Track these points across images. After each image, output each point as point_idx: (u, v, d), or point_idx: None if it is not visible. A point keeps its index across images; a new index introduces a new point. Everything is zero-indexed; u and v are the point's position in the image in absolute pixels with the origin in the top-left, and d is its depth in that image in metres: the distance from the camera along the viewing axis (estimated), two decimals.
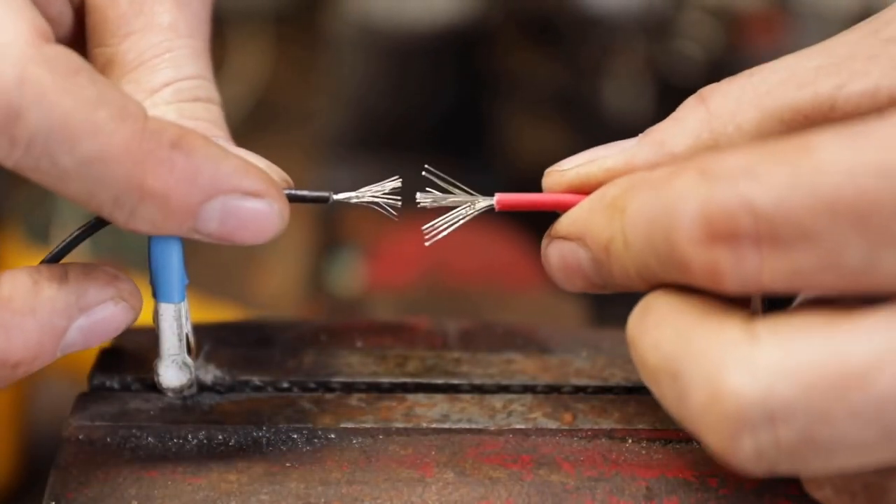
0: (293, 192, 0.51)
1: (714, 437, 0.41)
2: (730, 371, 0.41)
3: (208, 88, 0.54)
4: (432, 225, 0.52)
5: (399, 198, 0.52)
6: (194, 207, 0.47)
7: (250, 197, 0.48)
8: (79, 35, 0.55)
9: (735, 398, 0.40)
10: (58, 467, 0.51)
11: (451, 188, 0.52)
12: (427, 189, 0.52)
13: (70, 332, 0.48)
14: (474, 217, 0.52)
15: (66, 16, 0.55)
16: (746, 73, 0.49)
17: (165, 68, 0.53)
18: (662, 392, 0.44)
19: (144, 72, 0.53)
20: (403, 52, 1.68)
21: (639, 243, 0.45)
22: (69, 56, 0.45)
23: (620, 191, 0.47)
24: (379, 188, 0.52)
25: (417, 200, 0.51)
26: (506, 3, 2.00)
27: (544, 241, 0.51)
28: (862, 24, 0.48)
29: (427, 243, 0.52)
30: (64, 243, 0.51)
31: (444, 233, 0.52)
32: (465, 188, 0.52)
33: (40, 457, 1.35)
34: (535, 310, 1.09)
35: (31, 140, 0.44)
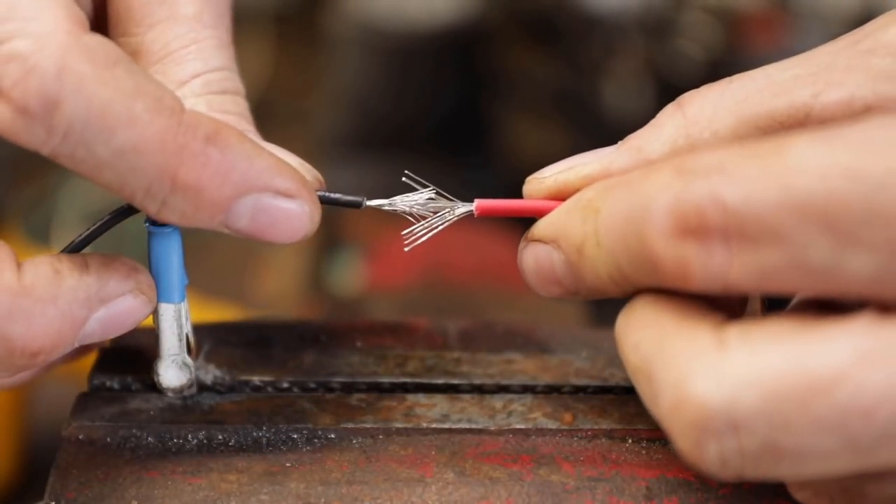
0: (326, 194, 0.51)
1: (681, 442, 0.42)
2: (696, 378, 0.41)
3: (235, 80, 0.55)
4: (412, 230, 0.52)
5: (432, 208, 0.52)
6: (226, 202, 0.47)
7: (282, 196, 0.48)
8: (97, 25, 0.56)
9: (699, 405, 0.41)
10: (58, 467, 0.51)
11: (431, 193, 0.52)
12: (407, 192, 0.52)
13: (90, 322, 0.49)
14: (457, 221, 0.52)
15: (85, 4, 0.55)
16: (726, 80, 0.49)
17: (193, 60, 0.53)
18: (640, 391, 0.45)
19: (171, 63, 0.53)
20: (404, 51, 1.68)
21: (611, 242, 0.45)
22: (107, 46, 0.46)
23: (596, 193, 0.47)
24: (413, 197, 0.52)
25: (398, 208, 0.52)
26: (506, 3, 2.00)
27: (521, 245, 0.51)
28: (845, 35, 0.48)
29: (406, 248, 0.52)
30: (93, 227, 0.51)
31: (423, 238, 0.52)
32: (445, 194, 0.52)
33: (40, 457, 1.35)
34: (535, 310, 1.09)
35: (69, 129, 0.44)
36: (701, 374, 0.41)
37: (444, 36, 1.69)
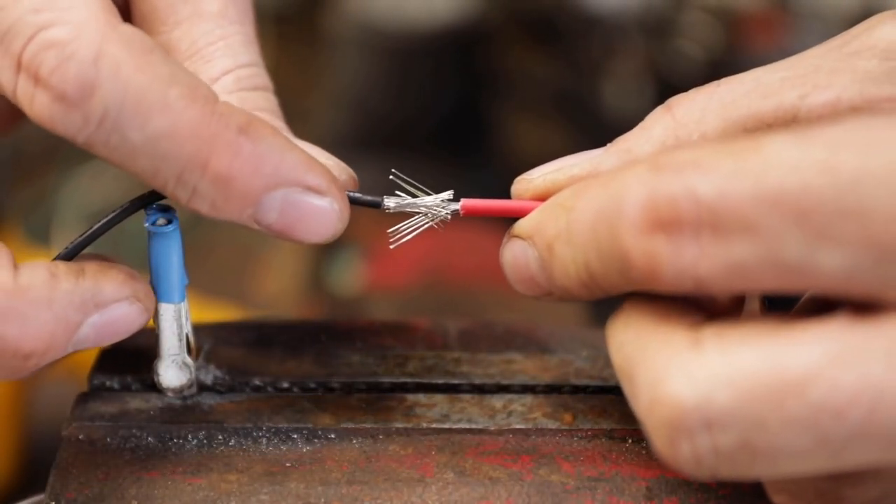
0: (351, 193, 0.51)
1: (656, 441, 0.42)
2: (670, 377, 0.41)
3: (264, 76, 0.55)
4: (397, 229, 0.52)
5: (451, 211, 0.52)
6: (256, 195, 0.47)
7: (312, 193, 0.48)
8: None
9: (673, 404, 0.41)
10: (58, 467, 0.51)
11: (417, 192, 0.52)
12: (396, 192, 0.52)
13: (83, 327, 0.49)
14: (453, 221, 0.52)
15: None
16: (714, 83, 0.50)
17: (221, 56, 0.53)
18: (625, 391, 0.45)
19: (200, 60, 0.53)
20: (404, 51, 1.68)
21: (582, 238, 0.45)
22: (142, 36, 0.46)
23: (571, 192, 0.47)
24: (433, 200, 0.52)
25: (383, 205, 0.52)
26: (506, 3, 2.00)
27: (503, 241, 0.51)
28: (832, 38, 0.49)
29: (391, 247, 0.52)
30: (115, 213, 0.51)
31: (409, 237, 0.52)
32: (430, 192, 0.52)
33: (40, 457, 1.35)
34: (535, 310, 1.09)
35: (104, 115, 0.45)
36: (675, 373, 0.41)
37: (443, 36, 1.69)
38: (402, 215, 0.52)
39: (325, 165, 0.50)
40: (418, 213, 0.52)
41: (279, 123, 0.54)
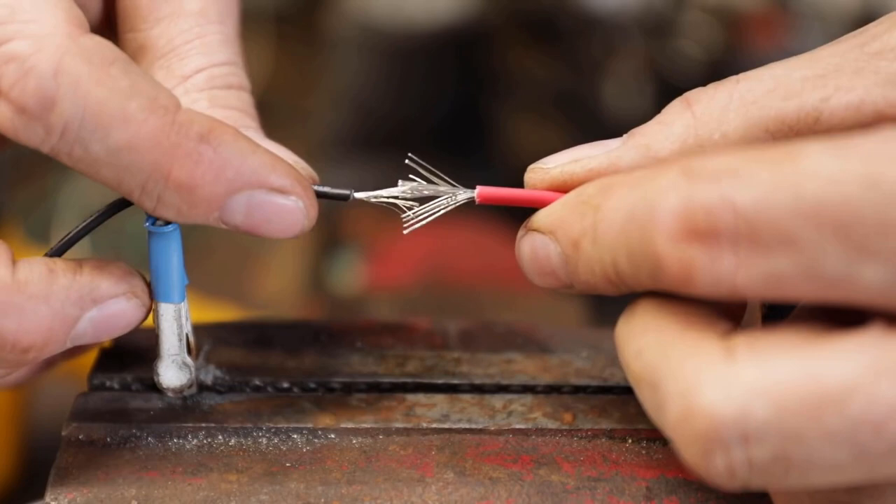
0: (315, 187, 0.52)
1: (688, 452, 0.42)
2: (704, 388, 0.41)
3: (239, 75, 0.55)
4: (413, 213, 0.52)
5: (416, 202, 0.52)
6: (219, 199, 0.48)
7: (276, 193, 0.49)
8: (107, 20, 0.56)
9: (708, 416, 0.40)
10: (58, 467, 0.51)
11: (434, 179, 0.52)
12: (410, 178, 0.52)
13: (81, 322, 0.49)
14: (469, 214, 0.52)
15: (93, 3, 0.55)
16: (733, 79, 0.49)
17: (197, 54, 0.54)
18: (643, 399, 0.44)
19: (175, 58, 0.54)
20: (404, 51, 1.68)
21: (610, 240, 0.45)
22: (104, 46, 0.46)
23: (597, 189, 0.47)
24: (398, 190, 0.52)
25: (398, 191, 0.52)
26: (506, 3, 2.00)
27: (519, 233, 0.51)
28: (849, 35, 0.48)
29: (405, 231, 0.52)
30: (86, 222, 0.52)
31: (424, 222, 0.52)
32: (449, 179, 0.52)
33: (40, 457, 1.34)
34: (535, 310, 1.09)
35: (66, 128, 0.45)
36: (710, 384, 0.41)
37: (443, 36, 1.69)
38: (417, 203, 0.52)
39: (291, 164, 0.50)
40: (436, 198, 0.52)
41: (250, 123, 0.54)
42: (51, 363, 0.57)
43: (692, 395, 0.41)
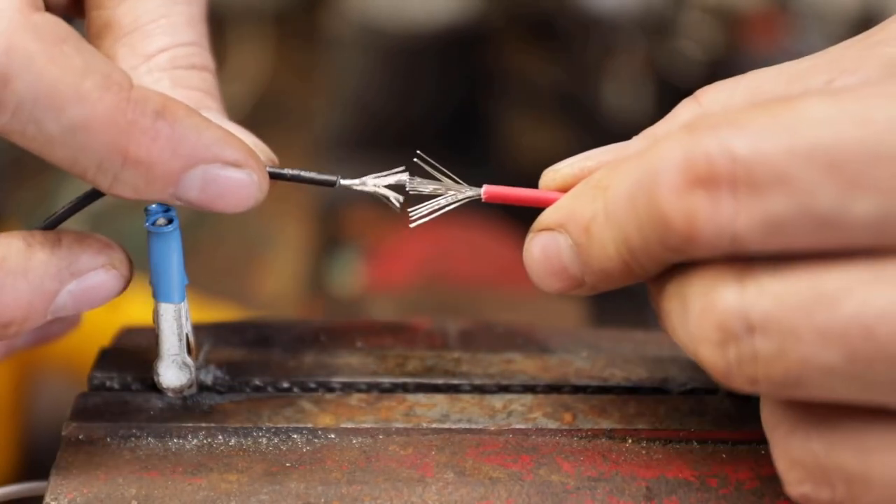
0: (301, 173, 0.52)
1: (705, 348, 0.43)
2: (723, 286, 0.43)
3: (203, 56, 0.55)
4: (418, 208, 0.52)
5: (403, 188, 0.52)
6: (175, 175, 0.48)
7: (230, 167, 0.49)
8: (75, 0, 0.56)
9: (722, 308, 0.43)
10: (58, 467, 0.51)
11: (440, 176, 0.52)
12: (417, 175, 0.52)
13: (61, 295, 0.49)
14: (470, 214, 0.52)
15: None
16: (738, 76, 0.50)
17: (161, 34, 0.54)
18: (670, 319, 0.46)
19: (140, 37, 0.54)
20: (404, 52, 1.68)
21: (620, 212, 0.45)
22: (56, 24, 0.46)
23: (605, 172, 0.47)
24: (385, 177, 0.52)
25: (407, 186, 0.52)
26: (506, 3, 2.00)
27: (527, 238, 0.51)
28: (861, 34, 0.49)
29: (411, 225, 0.52)
30: (60, 212, 0.51)
31: (429, 217, 0.52)
32: (454, 177, 0.52)
33: (40, 457, 1.35)
34: (535, 310, 1.09)
35: (18, 106, 0.45)
36: (728, 283, 0.43)
37: (444, 36, 1.69)
38: (424, 198, 0.52)
39: (242, 139, 0.51)
40: (442, 195, 0.52)
41: (211, 104, 0.54)
42: (38, 340, 0.58)
43: (711, 292, 0.43)
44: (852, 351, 0.41)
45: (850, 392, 0.42)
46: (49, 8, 0.57)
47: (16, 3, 0.45)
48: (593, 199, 0.47)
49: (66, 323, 0.58)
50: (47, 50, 0.45)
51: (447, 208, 0.52)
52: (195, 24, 0.55)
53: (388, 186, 0.52)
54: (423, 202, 0.52)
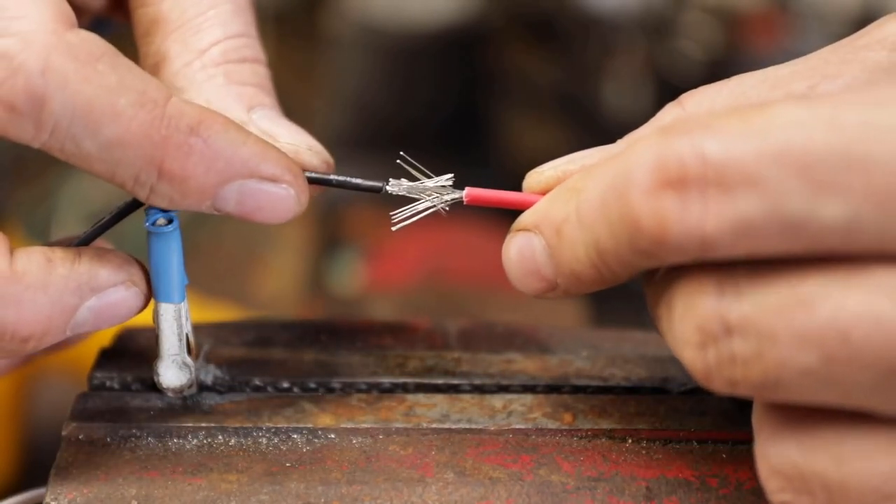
0: (346, 179, 0.52)
1: (687, 349, 0.44)
2: (705, 292, 0.43)
3: (254, 47, 0.55)
4: (400, 211, 0.52)
5: (455, 198, 0.52)
6: (211, 189, 0.49)
7: (267, 181, 0.50)
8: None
9: (701, 311, 0.43)
10: (58, 467, 0.51)
11: (421, 177, 0.52)
12: (401, 177, 0.52)
13: (81, 311, 0.50)
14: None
15: None
16: (723, 80, 0.50)
17: (210, 27, 0.54)
18: (661, 320, 0.46)
19: (190, 31, 0.54)
20: (404, 52, 1.68)
21: (592, 214, 0.45)
22: (91, 42, 0.47)
23: (580, 175, 0.47)
24: (434, 183, 0.52)
25: (388, 188, 0.52)
26: (506, 3, 2.00)
27: (506, 239, 0.51)
28: (844, 39, 0.49)
29: (393, 229, 0.52)
30: (97, 225, 0.52)
31: (410, 220, 0.52)
32: (433, 176, 0.52)
33: (40, 457, 1.35)
34: (535, 310, 1.09)
35: (56, 125, 0.46)
36: (709, 288, 0.43)
37: (444, 36, 1.69)
38: (404, 201, 0.52)
39: (283, 152, 0.51)
40: (422, 197, 0.52)
41: (265, 100, 0.54)
42: (51, 349, 0.57)
43: (693, 295, 0.44)
44: (828, 354, 0.41)
45: (828, 395, 0.42)
46: (86, 11, 0.57)
47: (49, 24, 0.46)
48: (566, 201, 0.47)
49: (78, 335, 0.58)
50: (82, 69, 0.46)
51: (429, 211, 0.52)
52: (242, 13, 0.55)
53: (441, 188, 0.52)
54: (407, 204, 0.52)
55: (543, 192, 0.51)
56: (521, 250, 0.49)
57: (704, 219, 0.42)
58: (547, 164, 0.52)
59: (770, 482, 0.45)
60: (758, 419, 0.45)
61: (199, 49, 0.53)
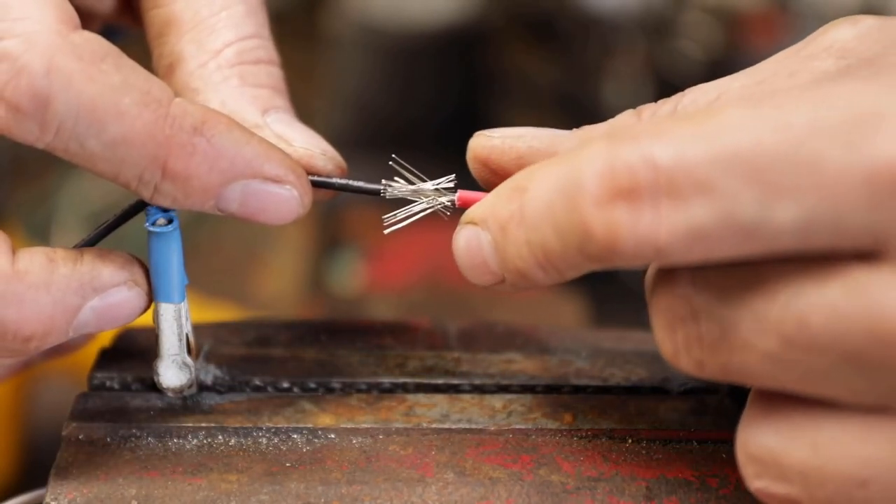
0: (347, 182, 0.52)
1: (659, 331, 0.45)
2: (676, 273, 0.44)
3: (267, 48, 0.56)
4: (393, 214, 0.52)
5: (447, 201, 0.52)
6: (214, 189, 0.49)
7: (270, 182, 0.50)
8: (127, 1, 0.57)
9: (673, 293, 0.44)
10: (58, 467, 0.51)
11: (416, 180, 0.52)
12: (395, 179, 0.52)
13: (83, 311, 0.50)
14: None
15: None
16: (679, 94, 0.50)
17: (224, 28, 0.54)
18: (648, 307, 0.47)
19: (204, 32, 0.54)
20: (404, 52, 1.68)
21: (537, 217, 0.45)
22: (95, 42, 0.47)
23: (526, 173, 0.47)
24: (431, 185, 0.52)
25: (381, 191, 0.52)
26: (506, 3, 2.00)
27: (456, 229, 0.51)
28: (788, 48, 0.50)
29: (385, 232, 0.52)
30: (101, 227, 0.52)
31: (403, 223, 0.52)
32: (426, 180, 0.52)
33: (40, 457, 1.35)
34: (535, 310, 1.09)
35: (61, 125, 0.46)
36: (680, 271, 0.44)
37: (444, 36, 1.69)
38: (403, 202, 0.53)
39: (286, 153, 0.51)
40: (416, 200, 0.52)
41: (280, 102, 0.54)
42: (56, 352, 0.57)
43: (664, 281, 0.45)
44: (787, 339, 0.42)
45: (789, 380, 0.43)
46: (95, 17, 0.58)
47: (53, 25, 0.46)
48: (511, 199, 0.47)
49: (81, 337, 0.58)
50: (86, 69, 0.46)
51: (421, 214, 0.52)
52: (255, 13, 0.55)
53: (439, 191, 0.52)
54: (400, 207, 0.52)
55: (486, 159, 0.51)
56: (468, 243, 0.49)
57: (658, 228, 0.42)
58: (497, 130, 0.52)
59: (747, 468, 0.45)
60: (746, 408, 0.46)
61: (213, 49, 0.54)
